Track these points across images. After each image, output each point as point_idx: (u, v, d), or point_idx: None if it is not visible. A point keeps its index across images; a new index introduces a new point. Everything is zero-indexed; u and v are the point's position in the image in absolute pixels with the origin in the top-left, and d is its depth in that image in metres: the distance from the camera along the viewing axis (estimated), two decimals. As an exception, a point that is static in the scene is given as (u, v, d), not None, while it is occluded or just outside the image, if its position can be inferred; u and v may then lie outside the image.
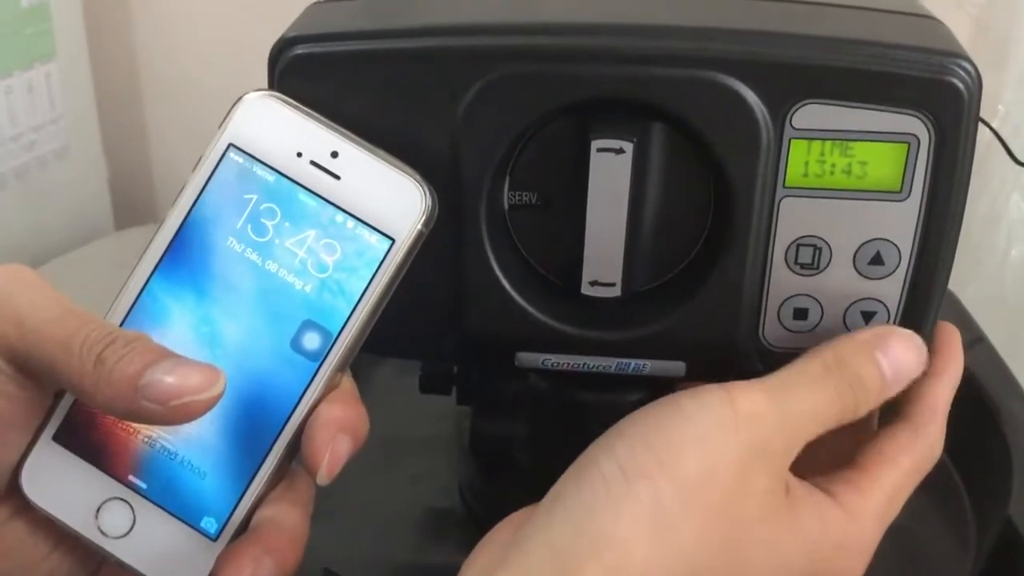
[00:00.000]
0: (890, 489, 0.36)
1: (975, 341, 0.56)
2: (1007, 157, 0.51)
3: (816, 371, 0.35)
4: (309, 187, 0.35)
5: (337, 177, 0.35)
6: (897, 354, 0.36)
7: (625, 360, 0.39)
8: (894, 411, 0.38)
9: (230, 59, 0.92)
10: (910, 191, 0.36)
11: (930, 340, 0.38)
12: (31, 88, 0.84)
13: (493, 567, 0.32)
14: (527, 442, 0.46)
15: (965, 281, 0.72)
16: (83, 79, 0.91)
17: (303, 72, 0.36)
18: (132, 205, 1.01)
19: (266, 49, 0.37)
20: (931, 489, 0.39)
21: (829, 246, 0.37)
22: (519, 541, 0.32)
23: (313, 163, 0.35)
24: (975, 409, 0.51)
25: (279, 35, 0.37)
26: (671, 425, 0.33)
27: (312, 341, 0.34)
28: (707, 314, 0.38)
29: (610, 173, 0.36)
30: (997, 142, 0.50)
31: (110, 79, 0.96)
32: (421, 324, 0.40)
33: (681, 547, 0.32)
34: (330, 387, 0.35)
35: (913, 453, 0.36)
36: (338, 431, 0.34)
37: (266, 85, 0.35)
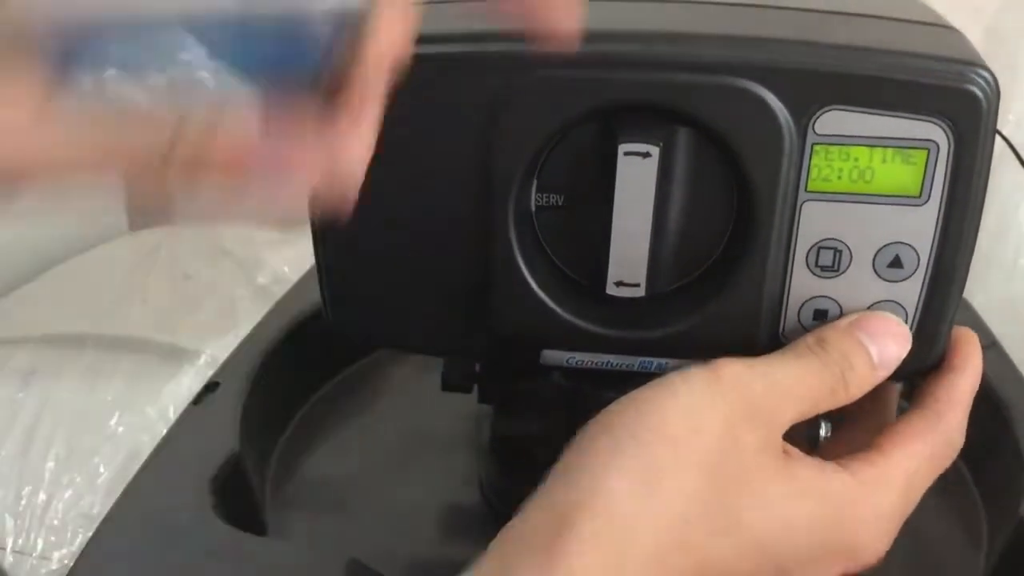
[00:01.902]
0: (906, 469, 0.36)
1: (988, 345, 0.57)
2: (1018, 165, 0.52)
3: (799, 349, 0.37)
4: None
5: None
6: (876, 330, 0.37)
7: (648, 359, 0.40)
8: (913, 403, 0.39)
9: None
10: (929, 196, 0.36)
11: (948, 342, 0.39)
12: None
13: (500, 536, 0.33)
14: (547, 440, 0.47)
15: (975, 288, 0.73)
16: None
17: (339, 75, 0.37)
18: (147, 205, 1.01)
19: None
20: (943, 489, 0.39)
21: (849, 249, 0.37)
22: (522, 509, 0.34)
23: None
24: (987, 411, 0.52)
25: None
26: (661, 396, 0.35)
27: None
28: (729, 314, 0.38)
29: (636, 176, 0.36)
30: (1008, 150, 0.51)
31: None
32: (448, 321, 0.40)
33: (670, 500, 0.33)
34: None
35: (930, 439, 0.37)
36: None
37: None
